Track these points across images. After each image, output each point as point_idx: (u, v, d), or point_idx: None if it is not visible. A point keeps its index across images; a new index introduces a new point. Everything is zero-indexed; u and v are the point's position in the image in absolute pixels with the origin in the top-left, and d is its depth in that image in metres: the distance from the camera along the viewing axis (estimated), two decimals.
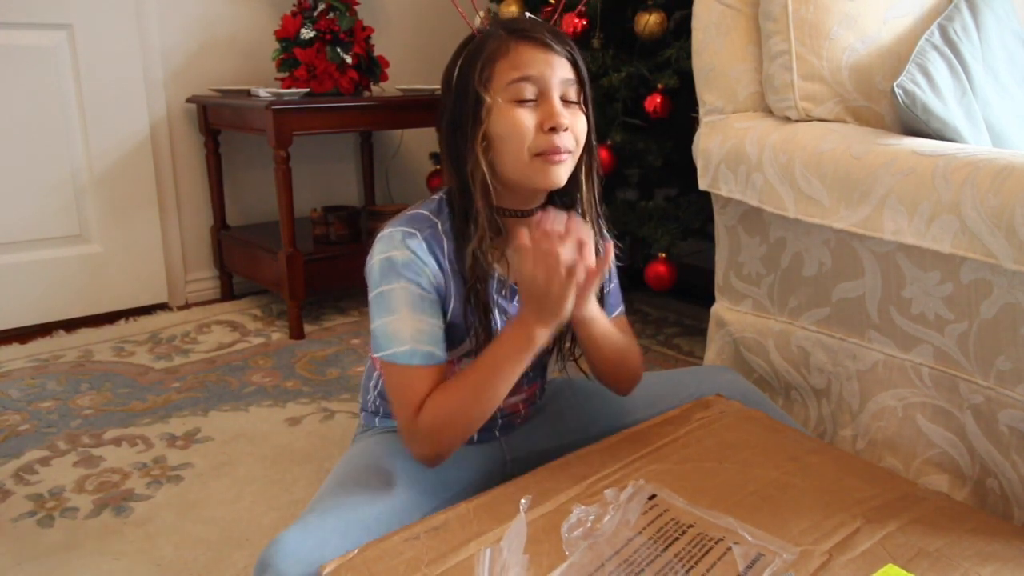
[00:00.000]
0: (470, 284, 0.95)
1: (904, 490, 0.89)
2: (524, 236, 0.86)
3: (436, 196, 1.00)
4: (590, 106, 0.96)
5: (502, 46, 0.92)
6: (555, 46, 0.92)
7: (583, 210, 1.00)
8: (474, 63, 0.93)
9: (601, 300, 1.09)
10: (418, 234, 0.93)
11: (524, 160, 0.92)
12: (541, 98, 0.92)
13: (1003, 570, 0.75)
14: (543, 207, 1.00)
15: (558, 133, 0.91)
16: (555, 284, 0.85)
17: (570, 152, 0.93)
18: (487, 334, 0.96)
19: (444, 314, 0.96)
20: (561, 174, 0.93)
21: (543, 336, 0.89)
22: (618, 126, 1.94)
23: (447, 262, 0.95)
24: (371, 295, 0.94)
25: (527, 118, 0.91)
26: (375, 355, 0.95)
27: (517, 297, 1.01)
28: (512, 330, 0.90)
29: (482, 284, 0.95)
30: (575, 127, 0.93)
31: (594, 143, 0.98)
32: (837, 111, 1.30)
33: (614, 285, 1.12)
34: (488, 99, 0.92)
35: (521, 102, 0.91)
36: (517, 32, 0.92)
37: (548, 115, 0.91)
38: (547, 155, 0.91)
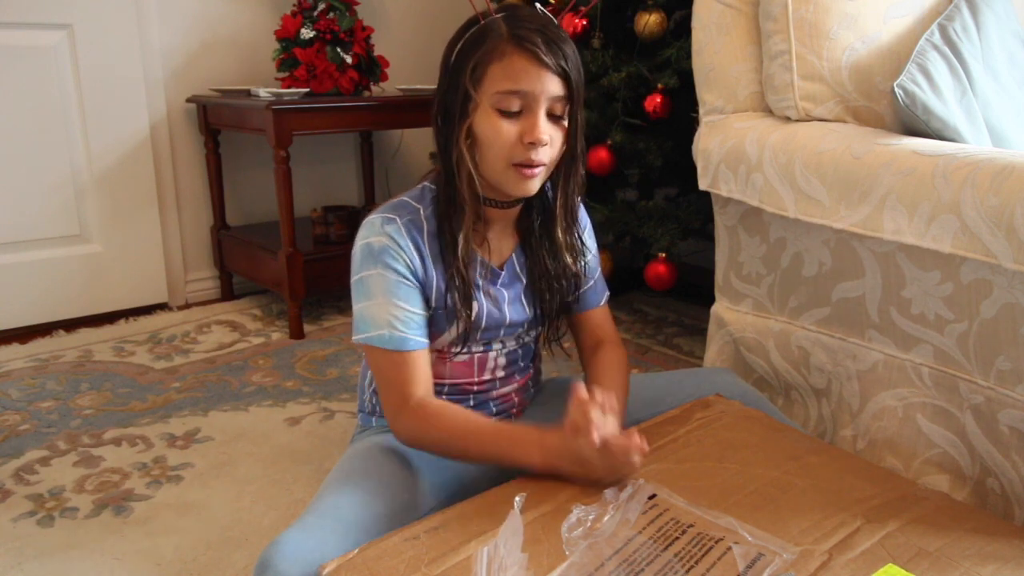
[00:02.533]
0: (454, 267, 0.96)
1: (904, 490, 0.89)
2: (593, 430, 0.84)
3: (420, 185, 1.02)
4: (577, 120, 0.97)
5: (498, 48, 0.91)
6: (549, 61, 0.91)
7: (561, 216, 1.02)
8: (468, 57, 0.93)
9: (578, 302, 1.12)
10: (397, 219, 0.96)
11: (500, 167, 0.94)
12: (526, 111, 0.92)
13: (1003, 570, 0.75)
14: (521, 201, 1.02)
15: (536, 149, 0.92)
16: (615, 473, 0.86)
17: (545, 165, 0.95)
18: (469, 315, 0.98)
19: (427, 300, 0.98)
20: (533, 186, 0.96)
21: (551, 471, 0.89)
22: (618, 126, 1.94)
23: (427, 246, 0.97)
24: (352, 280, 0.98)
25: (509, 129, 0.92)
26: (355, 338, 0.98)
27: (500, 280, 1.02)
28: (532, 450, 0.89)
29: (466, 267, 0.97)
30: (554, 141, 0.95)
31: (578, 151, 0.99)
32: (837, 111, 1.29)
33: (596, 278, 1.13)
34: (475, 97, 0.92)
35: (505, 112, 0.92)
36: (516, 37, 0.91)
37: (530, 130, 0.92)
38: (522, 168, 0.93)
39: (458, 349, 1.02)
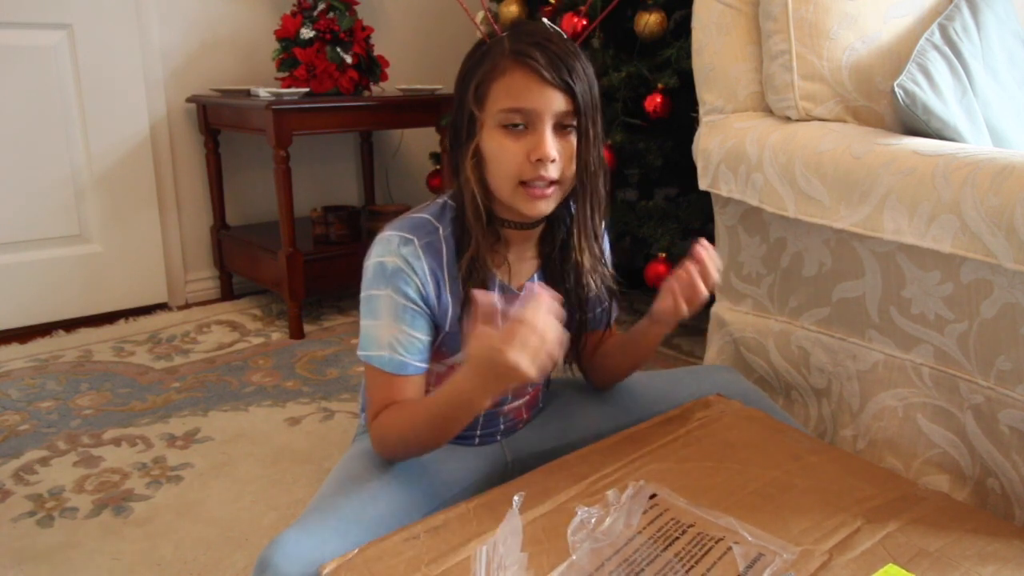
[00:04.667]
0: (467, 291, 0.94)
1: (904, 490, 0.89)
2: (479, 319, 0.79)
3: (440, 199, 1.00)
4: (592, 133, 0.92)
5: (499, 65, 0.89)
6: (550, 77, 0.88)
7: (577, 237, 0.98)
8: (472, 76, 0.91)
9: (587, 322, 1.08)
10: (415, 241, 0.94)
11: (509, 188, 0.91)
12: (531, 128, 0.90)
13: (1003, 570, 0.75)
14: (541, 222, 0.99)
15: (545, 165, 0.89)
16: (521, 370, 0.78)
17: (556, 183, 0.92)
18: None
19: (437, 324, 0.96)
20: (545, 206, 0.92)
21: (485, 403, 0.84)
22: (618, 126, 1.94)
23: (446, 268, 0.95)
24: (361, 295, 0.97)
25: (514, 147, 0.90)
26: (358, 354, 0.97)
27: (518, 301, 1.01)
28: (455, 393, 0.85)
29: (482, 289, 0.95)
30: (564, 156, 0.91)
31: (593, 167, 0.93)
32: (837, 111, 1.29)
33: (610, 302, 1.10)
34: (480, 117, 0.91)
35: (510, 129, 0.90)
36: (517, 53, 0.89)
37: (536, 146, 0.89)
38: (531, 187, 0.90)
39: None
